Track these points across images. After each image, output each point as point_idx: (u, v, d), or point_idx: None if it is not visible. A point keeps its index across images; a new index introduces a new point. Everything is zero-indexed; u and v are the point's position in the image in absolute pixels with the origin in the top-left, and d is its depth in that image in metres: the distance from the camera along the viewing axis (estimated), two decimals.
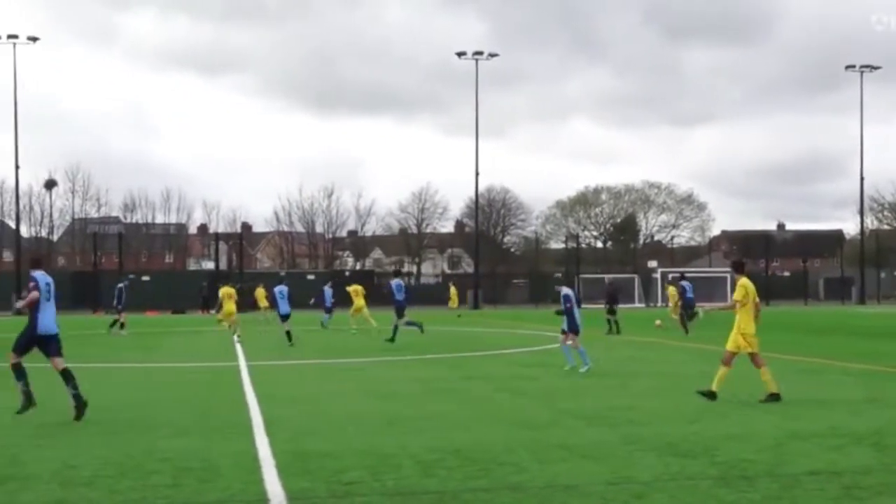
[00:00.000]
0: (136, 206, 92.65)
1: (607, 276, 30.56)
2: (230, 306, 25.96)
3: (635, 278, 64.86)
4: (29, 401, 11.02)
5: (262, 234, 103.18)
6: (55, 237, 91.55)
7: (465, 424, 10.30)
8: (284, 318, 24.24)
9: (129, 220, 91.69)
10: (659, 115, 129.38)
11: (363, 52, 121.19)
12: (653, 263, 69.80)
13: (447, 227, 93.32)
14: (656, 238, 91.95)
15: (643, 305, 62.05)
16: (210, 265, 73.20)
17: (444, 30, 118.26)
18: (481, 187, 74.06)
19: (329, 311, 33.22)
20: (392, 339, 23.47)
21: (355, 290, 29.96)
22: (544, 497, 6.90)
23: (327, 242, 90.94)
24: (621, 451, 8.57)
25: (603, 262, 79.69)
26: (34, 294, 10.99)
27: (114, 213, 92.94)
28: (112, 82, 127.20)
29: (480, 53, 63.51)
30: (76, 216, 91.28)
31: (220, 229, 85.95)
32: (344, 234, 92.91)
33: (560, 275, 22.09)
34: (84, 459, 8.15)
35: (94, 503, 6.65)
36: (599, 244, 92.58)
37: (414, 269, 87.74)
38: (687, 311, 27.62)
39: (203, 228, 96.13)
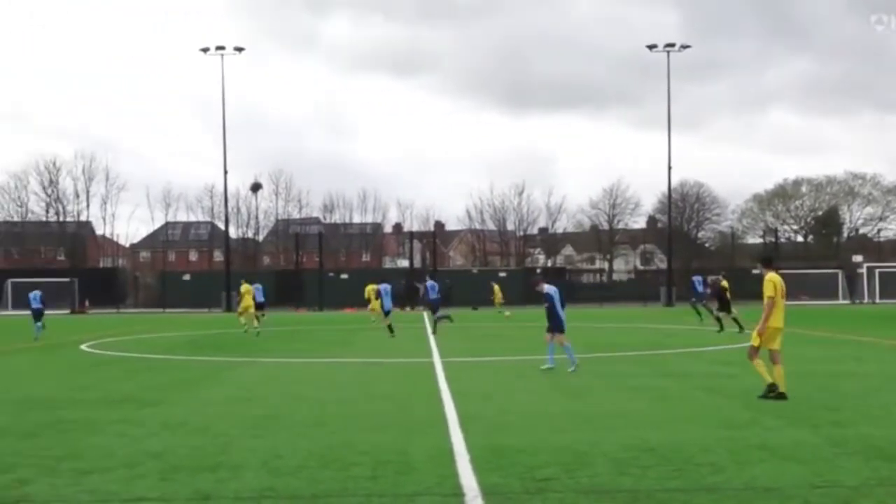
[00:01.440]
0: (334, 207, 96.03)
1: (710, 277, 30.42)
2: (248, 301, 29.11)
3: (839, 274, 61.93)
4: None
5: (455, 233, 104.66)
6: (260, 238, 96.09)
7: (659, 422, 10.14)
8: (387, 313, 26.64)
9: (328, 221, 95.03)
10: (863, 102, 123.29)
11: (553, 47, 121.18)
12: (858, 258, 66.31)
13: (639, 223, 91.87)
14: (861, 231, 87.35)
15: (848, 302, 59.16)
16: (405, 263, 74.89)
17: (636, 21, 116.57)
18: (674, 181, 72.45)
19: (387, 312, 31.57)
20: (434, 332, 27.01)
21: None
22: (743, 499, 6.72)
23: (518, 240, 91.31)
24: (825, 454, 8.22)
25: (804, 257, 76.34)
26: None
27: (314, 214, 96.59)
28: (311, 87, 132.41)
29: (672, 45, 62.16)
30: (279, 217, 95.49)
31: (414, 228, 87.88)
32: (535, 231, 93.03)
33: (539, 272, 22.07)
34: (289, 450, 8.53)
35: (299, 492, 6.95)
36: (800, 238, 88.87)
37: (605, 265, 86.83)
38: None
39: (398, 227, 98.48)
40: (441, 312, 29.96)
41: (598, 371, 16.15)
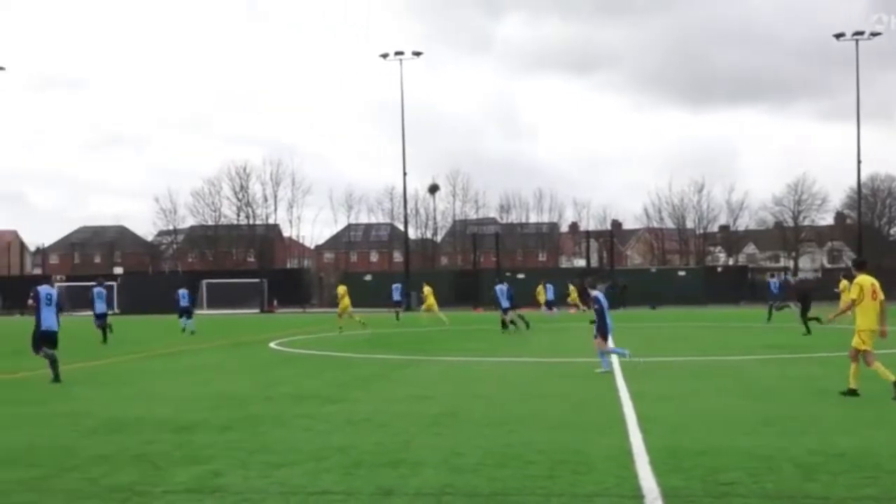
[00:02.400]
0: (511, 207, 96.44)
1: (794, 278, 29.38)
2: (346, 302, 31.67)
3: None
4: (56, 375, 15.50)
5: (632, 231, 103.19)
6: (438, 238, 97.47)
7: (849, 427, 9.69)
8: (506, 310, 29.39)
9: (504, 221, 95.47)
10: None
11: (733, 40, 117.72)
12: None
13: (826, 220, 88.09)
14: None
15: None
16: (581, 263, 74.38)
17: (820, 8, 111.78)
18: (864, 176, 69.05)
19: (505, 310, 30.34)
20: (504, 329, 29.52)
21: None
22: None
23: (698, 238, 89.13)
24: None
25: None
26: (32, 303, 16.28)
27: (491, 214, 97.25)
28: (487, 87, 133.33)
29: (861, 33, 59.24)
30: (457, 218, 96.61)
31: (591, 227, 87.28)
32: (715, 228, 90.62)
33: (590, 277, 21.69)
34: (468, 448, 8.64)
35: (478, 489, 7.03)
36: None
37: (791, 263, 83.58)
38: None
39: (574, 227, 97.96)
40: (511, 316, 29.71)
41: (783, 373, 15.61)
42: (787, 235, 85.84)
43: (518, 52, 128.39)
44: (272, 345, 25.24)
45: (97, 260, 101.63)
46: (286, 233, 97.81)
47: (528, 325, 30.27)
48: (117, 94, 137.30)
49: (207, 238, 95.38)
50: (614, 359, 17.15)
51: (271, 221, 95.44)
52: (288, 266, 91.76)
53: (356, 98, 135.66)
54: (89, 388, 14.74)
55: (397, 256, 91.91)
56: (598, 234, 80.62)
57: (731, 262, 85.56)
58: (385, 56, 64.50)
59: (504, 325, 29.79)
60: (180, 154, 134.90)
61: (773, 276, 33.02)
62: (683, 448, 8.50)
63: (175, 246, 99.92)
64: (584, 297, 37.13)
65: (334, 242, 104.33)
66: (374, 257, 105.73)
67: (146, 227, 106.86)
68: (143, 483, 7.30)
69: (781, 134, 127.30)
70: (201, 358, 21.45)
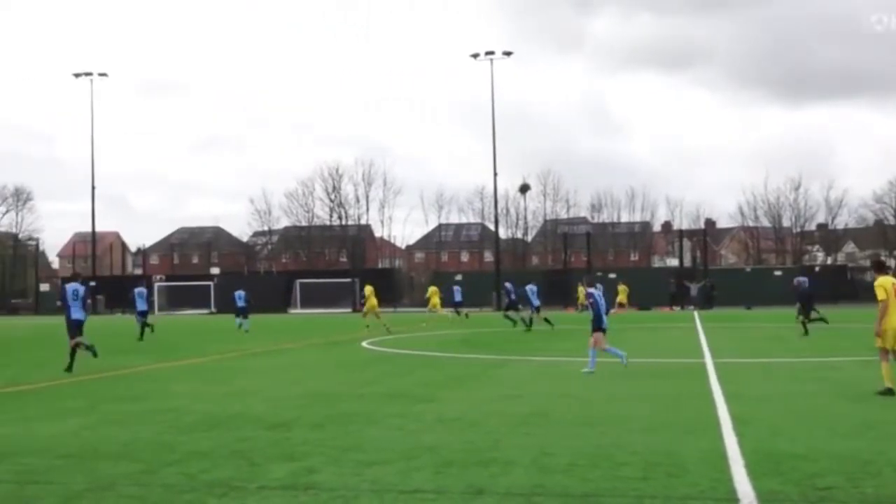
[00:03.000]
0: (602, 206, 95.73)
1: (797, 278, 29.66)
2: (373, 301, 32.15)
3: None
4: (92, 352, 18.15)
5: (727, 230, 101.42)
6: (529, 238, 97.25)
7: None
8: (537, 309, 30.73)
9: (595, 220, 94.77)
10: None
11: (833, 34, 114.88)
12: None
13: None
14: None
15: None
16: (674, 262, 73.37)
17: None
18: None
19: (537, 309, 31.85)
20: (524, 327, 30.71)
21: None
22: None
23: (794, 237, 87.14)
24: None
25: None
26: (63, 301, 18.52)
27: (581, 214, 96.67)
28: (578, 86, 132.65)
29: None
30: (547, 217, 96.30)
31: (684, 226, 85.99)
32: (812, 227, 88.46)
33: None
34: (559, 448, 8.61)
35: (569, 490, 7.00)
36: None
37: (893, 262, 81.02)
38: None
39: (667, 226, 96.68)
40: (516, 315, 32.03)
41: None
42: (888, 234, 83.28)
43: (610, 49, 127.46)
44: (364, 344, 25.51)
45: (195, 260, 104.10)
46: (378, 233, 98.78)
47: (530, 327, 31.19)
48: (215, 98, 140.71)
49: (301, 238, 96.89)
50: (708, 356, 16.87)
51: (363, 222, 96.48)
52: (379, 266, 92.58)
53: (447, 98, 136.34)
54: (188, 385, 15.12)
55: (488, 256, 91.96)
56: (691, 233, 79.41)
57: (829, 262, 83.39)
58: (476, 56, 64.67)
59: (530, 322, 31.18)
60: (275, 156, 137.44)
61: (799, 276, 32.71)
62: (780, 451, 8.33)
63: (269, 246, 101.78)
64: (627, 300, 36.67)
65: (425, 242, 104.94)
66: (464, 257, 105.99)
67: (242, 227, 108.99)
68: (239, 479, 7.46)
69: (881, 129, 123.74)
70: (295, 357, 21.80)
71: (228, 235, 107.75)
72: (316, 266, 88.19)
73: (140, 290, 31.64)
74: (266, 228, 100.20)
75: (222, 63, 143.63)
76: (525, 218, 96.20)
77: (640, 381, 14.63)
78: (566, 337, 27.67)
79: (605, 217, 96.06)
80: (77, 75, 73.68)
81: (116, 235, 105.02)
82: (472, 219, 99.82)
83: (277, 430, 9.91)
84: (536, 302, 31.30)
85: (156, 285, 68.25)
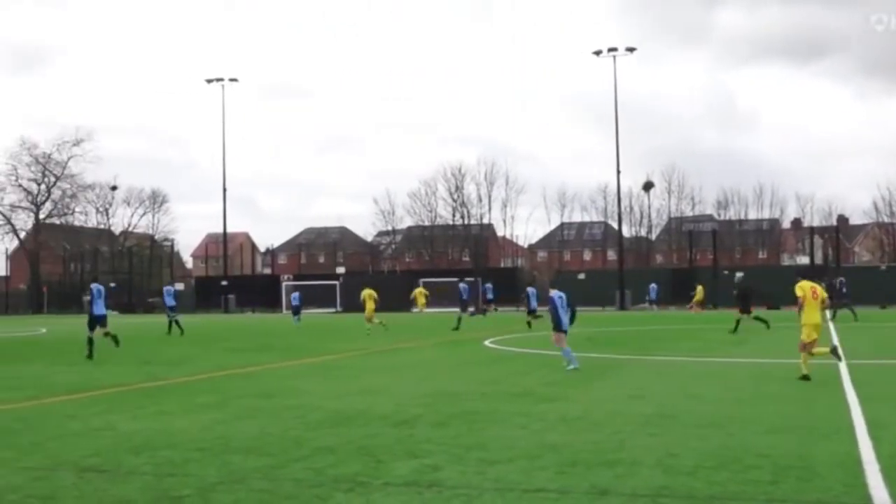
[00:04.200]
0: (728, 203, 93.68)
1: (738, 275, 31.55)
2: (371, 305, 32.09)
3: None
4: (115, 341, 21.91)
5: (860, 227, 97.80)
6: (653, 236, 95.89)
7: None
8: (532, 311, 31.06)
9: (722, 217, 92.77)
10: None
11: None
12: None
13: None
14: None
15: None
16: (805, 260, 71.15)
17: None
18: None
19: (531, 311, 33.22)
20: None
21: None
22: None
23: None
24: None
25: None
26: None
27: (707, 211, 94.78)
28: (703, 80, 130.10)
29: None
30: (672, 215, 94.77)
31: (815, 223, 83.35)
32: None
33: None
34: (684, 449, 8.48)
35: (695, 492, 6.86)
36: None
37: None
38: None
39: (797, 223, 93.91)
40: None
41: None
42: None
43: (736, 42, 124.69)
44: (487, 343, 25.57)
45: (321, 260, 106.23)
46: (500, 232, 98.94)
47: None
48: (340, 101, 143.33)
49: (424, 238, 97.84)
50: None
51: (485, 221, 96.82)
52: (502, 265, 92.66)
53: (569, 96, 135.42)
54: (315, 382, 15.45)
55: (611, 255, 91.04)
56: (822, 230, 76.93)
57: None
58: (598, 53, 64.07)
59: (529, 325, 32.33)
60: (398, 156, 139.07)
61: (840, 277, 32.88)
62: None
63: (393, 246, 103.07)
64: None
65: (547, 241, 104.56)
66: (587, 256, 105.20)
67: (366, 227, 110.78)
68: (364, 474, 7.60)
69: None
70: (419, 355, 22.03)
71: (353, 235, 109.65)
72: (438, 265, 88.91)
73: (168, 288, 33.98)
74: (390, 228, 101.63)
75: (347, 66, 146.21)
76: (649, 216, 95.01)
77: (768, 383, 14.27)
78: (690, 336, 27.18)
79: (731, 214, 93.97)
80: (209, 81, 76.11)
81: (246, 236, 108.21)
82: (594, 217, 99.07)
83: (402, 428, 10.05)
84: (534, 304, 33.48)
85: (283, 284, 69.91)
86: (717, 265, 65.37)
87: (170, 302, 33.97)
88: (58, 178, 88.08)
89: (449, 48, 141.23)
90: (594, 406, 11.67)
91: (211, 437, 9.59)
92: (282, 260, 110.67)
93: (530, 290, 34.70)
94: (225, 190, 76.94)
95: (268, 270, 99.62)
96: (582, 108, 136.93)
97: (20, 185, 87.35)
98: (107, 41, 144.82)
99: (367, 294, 32.76)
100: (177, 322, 32.89)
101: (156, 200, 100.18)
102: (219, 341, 29.32)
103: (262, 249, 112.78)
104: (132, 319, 56.64)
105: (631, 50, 63.96)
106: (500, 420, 10.59)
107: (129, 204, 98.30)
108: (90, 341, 21.04)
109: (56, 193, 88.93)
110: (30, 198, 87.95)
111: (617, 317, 42.10)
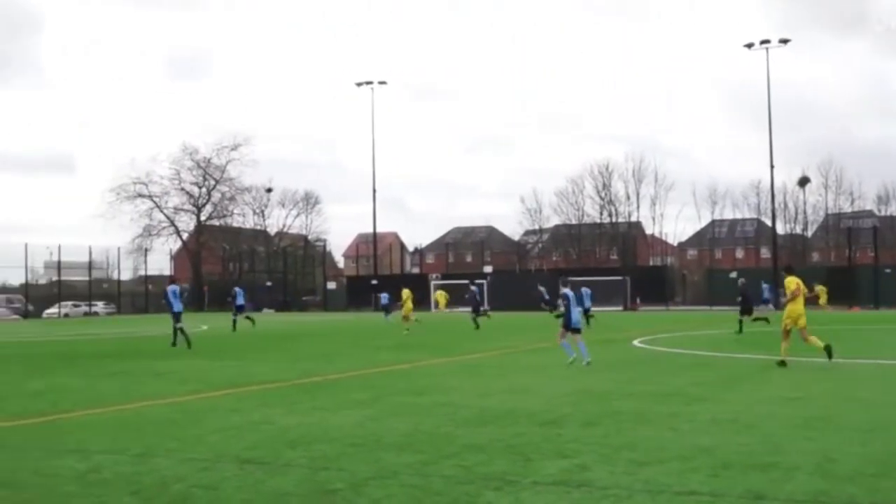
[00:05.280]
0: (889, 198, 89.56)
1: (741, 279, 32.67)
2: (409, 305, 33.93)
3: None
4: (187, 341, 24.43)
5: None
6: (809, 233, 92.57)
7: None
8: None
9: (883, 213, 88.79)
10: None
11: None
12: None
13: None
14: None
15: None
16: None
17: None
18: None
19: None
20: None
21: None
22: None
23: None
24: None
25: None
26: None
27: (867, 207, 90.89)
28: (861, 69, 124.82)
29: None
30: (829, 211, 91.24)
31: None
32: None
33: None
34: (843, 454, 8.18)
35: (855, 499, 6.63)
36: None
37: None
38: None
39: None
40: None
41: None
42: None
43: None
44: (635, 342, 25.25)
45: (468, 259, 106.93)
46: (649, 230, 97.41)
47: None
48: (488, 100, 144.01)
49: (571, 236, 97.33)
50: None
51: (633, 219, 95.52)
52: (650, 264, 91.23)
53: (718, 89, 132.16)
54: (465, 380, 15.60)
55: (764, 253, 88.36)
56: None
57: None
58: (750, 46, 62.30)
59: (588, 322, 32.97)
60: (544, 155, 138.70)
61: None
62: None
63: (540, 245, 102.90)
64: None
65: (698, 239, 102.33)
66: (739, 254, 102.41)
67: (513, 226, 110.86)
68: (513, 473, 7.63)
69: None
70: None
71: (500, 234, 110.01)
72: (586, 264, 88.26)
73: (238, 289, 35.95)
74: (537, 227, 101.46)
75: (494, 65, 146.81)
76: (804, 212, 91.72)
77: None
78: (848, 337, 26.15)
79: (893, 209, 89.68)
80: (359, 84, 77.78)
81: (395, 236, 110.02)
82: (747, 214, 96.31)
83: (550, 427, 10.05)
84: (588, 304, 34.69)
85: (431, 283, 70.73)
86: (878, 263, 62.54)
87: (240, 301, 36.69)
88: (217, 182, 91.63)
89: (596, 44, 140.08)
90: (747, 408, 11.38)
91: (363, 432, 9.82)
92: (429, 259, 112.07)
93: (584, 290, 35.40)
94: (374, 191, 78.50)
95: (416, 270, 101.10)
96: (732, 101, 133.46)
97: (183, 189, 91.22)
98: (260, 49, 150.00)
99: (407, 294, 34.71)
100: (247, 318, 36.63)
101: (309, 202, 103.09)
102: (370, 339, 29.92)
103: (411, 249, 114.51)
104: (286, 317, 58.49)
105: (784, 41, 61.92)
106: (649, 420, 10.46)
107: (283, 205, 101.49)
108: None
109: (216, 196, 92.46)
110: (191, 200, 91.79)
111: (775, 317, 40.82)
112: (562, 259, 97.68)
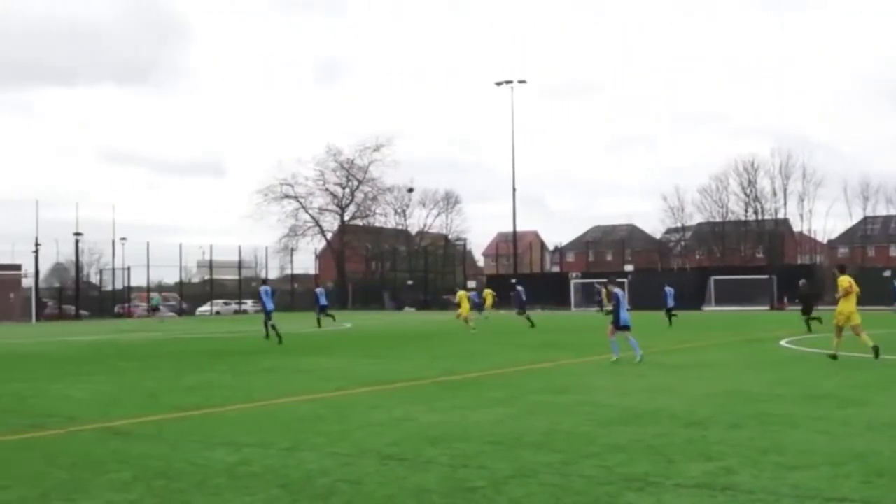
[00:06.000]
0: None
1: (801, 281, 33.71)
2: (466, 304, 34.64)
3: None
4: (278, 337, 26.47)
5: None
6: None
7: None
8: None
9: None
10: None
11: None
12: None
13: None
14: None
15: None
16: None
17: None
18: None
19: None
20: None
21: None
22: None
23: None
24: None
25: None
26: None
27: None
28: None
29: None
30: None
31: None
32: None
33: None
34: None
35: None
36: None
37: None
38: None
39: None
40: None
41: None
42: None
43: None
44: (783, 342, 24.49)
45: (609, 258, 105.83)
46: (796, 227, 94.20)
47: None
48: (627, 97, 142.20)
49: (715, 234, 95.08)
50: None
51: (780, 216, 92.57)
52: (798, 262, 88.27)
53: (870, 80, 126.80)
54: (606, 379, 15.46)
55: None
56: None
57: None
58: None
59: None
60: (687, 151, 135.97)
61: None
62: None
63: (683, 243, 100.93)
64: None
65: (849, 237, 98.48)
66: (893, 252, 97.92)
67: (654, 225, 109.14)
68: (655, 474, 7.51)
69: None
70: (710, 354, 21.47)
71: (641, 233, 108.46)
72: (730, 262, 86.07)
73: (265, 288, 35.76)
74: (679, 225, 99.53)
75: (633, 61, 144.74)
76: None
77: None
78: None
79: None
80: (498, 84, 78.02)
81: (535, 234, 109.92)
82: None
83: (694, 428, 9.85)
84: (671, 303, 36.11)
85: (571, 282, 70.31)
86: None
87: (322, 301, 38.99)
88: (360, 182, 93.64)
89: (740, 37, 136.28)
90: None
91: (503, 431, 9.84)
92: (569, 258, 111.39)
93: (668, 289, 37.41)
94: (514, 189, 78.59)
95: (556, 268, 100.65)
96: (885, 92, 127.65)
97: (327, 189, 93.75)
98: (400, 50, 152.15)
99: (462, 295, 35.73)
100: (328, 316, 38.97)
101: (449, 201, 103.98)
102: (510, 337, 29.97)
103: (551, 248, 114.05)
104: (427, 316, 59.12)
105: None
106: (797, 423, 10.13)
107: (424, 205, 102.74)
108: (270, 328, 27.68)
109: (359, 196, 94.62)
110: (335, 201, 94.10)
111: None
112: (705, 257, 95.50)
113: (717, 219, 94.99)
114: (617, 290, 19.32)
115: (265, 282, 30.67)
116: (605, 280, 25.95)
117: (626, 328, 18.65)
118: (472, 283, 76.80)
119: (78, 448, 9.13)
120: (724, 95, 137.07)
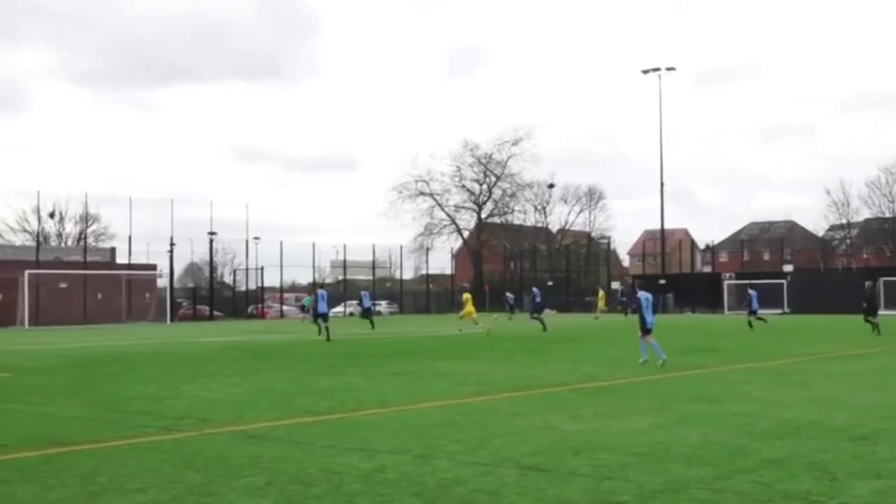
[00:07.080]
0: None
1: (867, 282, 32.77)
2: (470, 307, 35.70)
3: None
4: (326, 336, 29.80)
5: None
6: None
7: None
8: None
9: None
10: None
11: None
12: None
13: None
14: None
15: None
16: None
17: None
18: None
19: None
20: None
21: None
22: None
23: None
24: None
25: None
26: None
27: None
28: None
29: None
30: None
31: None
32: None
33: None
34: None
35: None
36: None
37: None
38: None
39: None
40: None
41: None
42: None
43: None
44: None
45: (766, 257, 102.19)
46: None
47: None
48: (784, 83, 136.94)
49: (884, 231, 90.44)
50: None
51: None
52: None
53: None
54: (763, 388, 14.66)
55: None
56: None
57: None
58: None
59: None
60: (851, 140, 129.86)
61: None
62: None
63: (848, 241, 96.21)
64: None
65: None
66: None
67: (816, 221, 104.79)
68: (818, 493, 6.95)
69: None
70: (878, 362, 20.30)
71: (802, 230, 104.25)
72: None
73: (321, 292, 35.10)
74: (844, 221, 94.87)
75: (789, 43, 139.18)
76: None
77: None
78: None
79: None
80: (645, 72, 75.87)
81: (685, 232, 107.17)
82: None
83: (861, 443, 9.13)
84: (755, 306, 35.65)
85: (725, 283, 68.16)
86: None
87: (366, 303, 39.70)
88: (498, 178, 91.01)
89: None
90: None
91: (650, 441, 9.35)
92: (723, 258, 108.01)
93: (752, 292, 37.30)
94: (662, 184, 76.62)
95: (707, 268, 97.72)
96: None
97: (463, 186, 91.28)
98: (536, 41, 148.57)
99: (467, 297, 36.15)
100: (372, 316, 39.72)
101: (592, 197, 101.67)
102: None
103: (702, 246, 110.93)
104: (567, 318, 58.33)
105: None
106: None
107: (565, 201, 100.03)
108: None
109: (496, 193, 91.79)
110: (472, 198, 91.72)
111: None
112: (873, 256, 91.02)
113: (888, 214, 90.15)
114: (642, 293, 19.90)
115: (323, 286, 32.73)
116: (630, 282, 26.64)
117: (649, 331, 19.09)
118: (615, 285, 75.21)
119: (211, 451, 9.11)
120: (893, 77, 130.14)
